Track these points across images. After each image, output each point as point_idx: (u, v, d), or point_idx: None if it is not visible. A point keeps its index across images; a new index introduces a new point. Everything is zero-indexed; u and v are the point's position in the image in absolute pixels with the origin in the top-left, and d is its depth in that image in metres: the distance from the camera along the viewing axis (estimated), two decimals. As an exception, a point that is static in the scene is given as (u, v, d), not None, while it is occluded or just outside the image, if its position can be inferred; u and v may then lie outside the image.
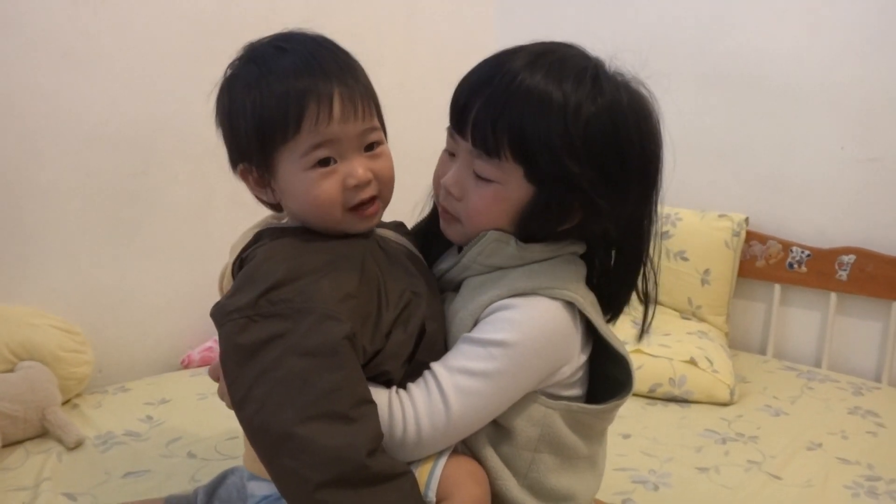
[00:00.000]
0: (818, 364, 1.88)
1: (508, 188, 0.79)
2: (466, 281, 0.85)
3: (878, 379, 1.79)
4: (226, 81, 0.80)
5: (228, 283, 0.82)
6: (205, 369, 1.63)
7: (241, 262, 0.78)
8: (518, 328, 0.76)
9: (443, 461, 0.77)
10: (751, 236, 1.95)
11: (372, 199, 0.79)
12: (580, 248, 0.86)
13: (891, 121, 1.76)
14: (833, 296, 1.85)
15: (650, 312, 0.88)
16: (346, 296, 0.72)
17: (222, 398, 0.85)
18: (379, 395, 0.74)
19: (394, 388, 0.77)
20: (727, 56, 1.95)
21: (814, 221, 1.89)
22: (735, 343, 1.98)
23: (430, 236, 0.93)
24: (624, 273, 0.88)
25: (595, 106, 0.75)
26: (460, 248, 0.86)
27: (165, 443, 1.33)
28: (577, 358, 0.82)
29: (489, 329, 0.77)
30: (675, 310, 1.96)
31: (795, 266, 1.90)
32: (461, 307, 0.82)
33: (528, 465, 0.82)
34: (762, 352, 1.97)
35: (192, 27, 1.68)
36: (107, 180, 1.61)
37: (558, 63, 0.77)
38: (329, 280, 0.72)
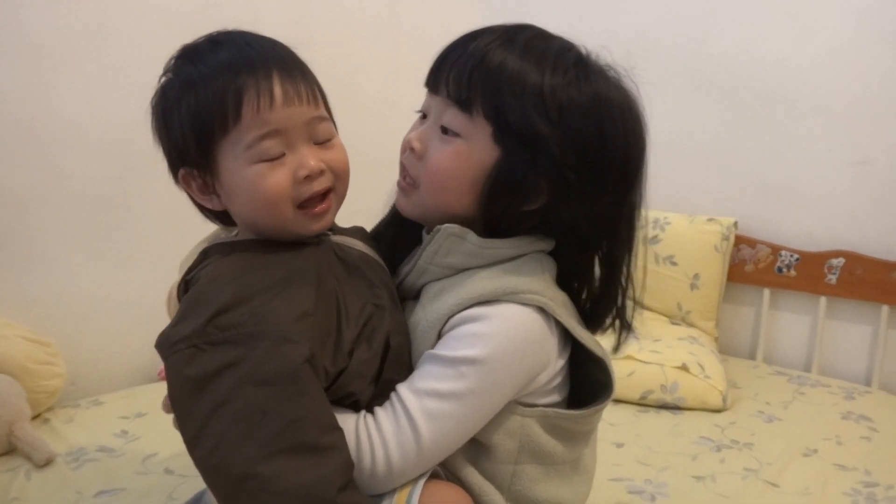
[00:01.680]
0: (808, 369, 1.87)
1: (473, 146, 0.74)
2: (425, 287, 0.80)
3: (868, 383, 1.78)
4: (161, 85, 0.75)
5: (174, 308, 0.76)
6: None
7: (186, 285, 0.73)
8: (488, 342, 0.71)
9: (419, 487, 0.71)
10: (740, 240, 1.93)
11: (325, 195, 0.73)
12: (547, 246, 0.80)
13: (878, 124, 1.76)
14: (823, 299, 1.83)
15: (626, 326, 0.83)
16: (303, 314, 0.66)
17: (178, 429, 0.81)
18: (346, 421, 0.69)
19: (362, 414, 0.71)
20: (715, 60, 1.94)
21: (803, 225, 1.87)
22: (724, 348, 1.96)
23: (391, 240, 0.87)
24: (605, 284, 0.82)
25: (577, 90, 0.72)
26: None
27: (141, 459, 1.26)
28: (554, 363, 0.77)
29: (456, 345, 0.72)
30: (664, 315, 1.94)
31: (784, 270, 1.88)
32: (421, 318, 0.76)
33: (511, 478, 0.77)
34: (752, 357, 1.96)
35: (171, 29, 1.63)
36: (81, 185, 1.55)
37: (538, 39, 0.75)
38: (282, 299, 0.67)
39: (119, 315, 1.65)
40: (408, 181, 0.79)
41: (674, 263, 1.92)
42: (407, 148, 0.79)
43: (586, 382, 0.83)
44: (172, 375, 0.65)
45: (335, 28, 1.91)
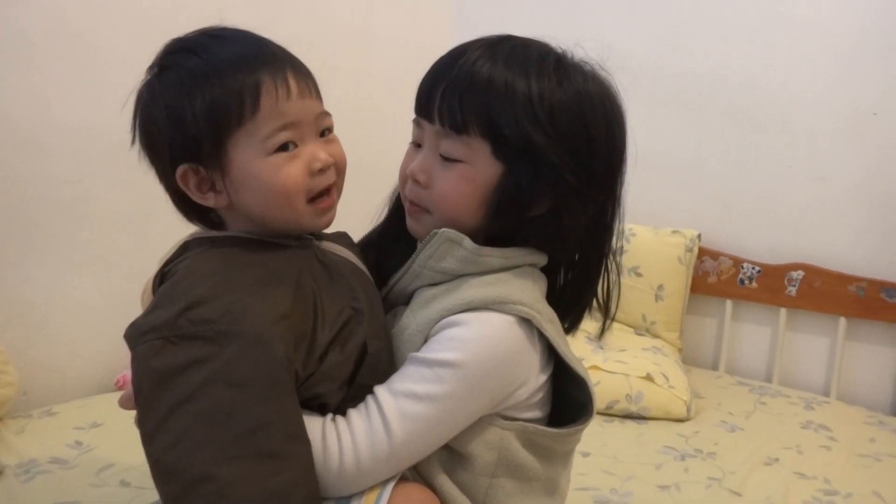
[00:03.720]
0: (769, 379, 1.90)
1: (476, 167, 0.75)
2: (417, 293, 0.79)
3: (826, 393, 1.82)
4: (155, 80, 0.72)
5: (148, 300, 0.74)
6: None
7: (162, 277, 0.71)
8: (467, 347, 0.70)
9: (389, 490, 0.70)
10: (703, 252, 1.96)
11: (329, 189, 0.74)
12: (541, 260, 0.80)
13: (836, 141, 1.81)
14: (783, 311, 1.87)
15: (610, 315, 0.84)
16: (281, 316, 0.65)
17: (138, 427, 0.78)
18: (311, 423, 0.68)
19: (329, 416, 0.70)
20: (680, 77, 1.98)
21: (764, 238, 1.91)
22: (688, 359, 1.98)
23: (383, 249, 0.87)
24: (583, 277, 0.83)
25: (562, 90, 0.74)
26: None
27: (96, 471, 1.22)
28: (535, 379, 0.76)
29: (437, 348, 0.71)
30: (629, 325, 1.96)
31: (746, 282, 1.91)
32: (410, 322, 0.76)
33: (486, 491, 0.76)
34: (714, 367, 1.98)
35: (132, 28, 1.59)
36: (35, 188, 1.49)
37: (520, 49, 0.76)
38: (260, 298, 0.65)
39: (73, 322, 1.59)
40: (415, 210, 0.80)
41: (639, 274, 1.94)
42: (408, 179, 0.79)
43: (567, 402, 0.82)
44: (138, 366, 0.63)
45: (305, 34, 1.90)
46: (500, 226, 0.77)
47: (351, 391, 0.71)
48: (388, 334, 0.76)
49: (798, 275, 1.84)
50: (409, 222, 0.81)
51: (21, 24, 1.43)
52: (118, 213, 1.63)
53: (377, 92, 2.09)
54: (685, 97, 1.97)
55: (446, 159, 0.76)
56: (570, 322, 0.85)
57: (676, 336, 1.94)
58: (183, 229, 0.81)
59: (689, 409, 1.59)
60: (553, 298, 0.81)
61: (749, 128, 1.91)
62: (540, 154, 0.73)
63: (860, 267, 1.79)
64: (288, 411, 0.63)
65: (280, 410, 0.62)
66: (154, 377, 0.61)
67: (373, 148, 1.71)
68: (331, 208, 0.74)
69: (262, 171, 0.69)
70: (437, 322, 0.73)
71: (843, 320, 1.79)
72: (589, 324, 0.88)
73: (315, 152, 0.71)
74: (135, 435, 1.36)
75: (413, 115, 0.80)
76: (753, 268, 1.90)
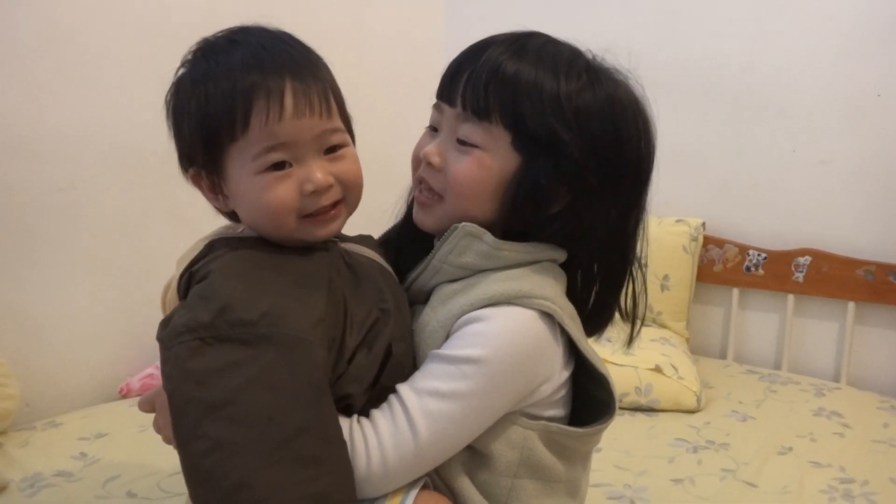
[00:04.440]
0: (778, 366, 1.88)
1: (493, 155, 0.73)
2: (437, 289, 0.78)
3: (836, 379, 1.80)
4: (176, 79, 0.73)
5: (172, 300, 0.73)
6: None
7: (189, 277, 0.69)
8: (491, 342, 0.69)
9: (413, 495, 0.69)
10: (708, 241, 1.94)
11: (333, 205, 0.72)
12: (561, 256, 0.79)
13: (839, 124, 1.79)
14: (790, 297, 1.85)
15: (637, 323, 0.83)
16: (317, 321, 0.64)
17: (159, 432, 0.76)
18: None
19: (355, 417, 0.69)
20: (680, 64, 1.95)
21: (769, 224, 1.89)
22: (695, 348, 1.96)
23: (400, 248, 0.86)
24: (607, 283, 0.81)
25: (592, 94, 0.73)
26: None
27: (102, 482, 1.20)
28: (558, 375, 0.75)
29: (460, 344, 0.70)
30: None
31: (752, 269, 1.90)
32: (431, 319, 0.75)
33: (508, 492, 0.75)
34: (722, 356, 1.97)
35: (125, 29, 1.57)
36: (29, 195, 1.47)
37: (549, 46, 0.75)
38: (296, 301, 0.64)
39: (73, 330, 1.57)
40: (428, 195, 0.78)
41: (644, 266, 1.92)
42: (423, 162, 0.78)
43: (587, 401, 0.81)
44: (172, 368, 0.61)
45: (298, 31, 1.87)
46: (516, 221, 0.75)
47: (375, 393, 0.70)
48: (411, 337, 0.75)
49: (805, 260, 1.82)
50: (416, 212, 0.80)
51: (12, 28, 1.41)
52: (114, 219, 1.60)
53: (371, 89, 2.06)
54: (685, 84, 1.95)
55: (463, 143, 0.75)
56: (594, 330, 0.83)
57: (683, 326, 1.92)
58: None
59: (699, 400, 1.57)
60: (575, 305, 0.80)
61: (750, 113, 1.89)
62: (562, 150, 0.71)
63: (868, 250, 1.77)
64: (327, 414, 0.62)
65: (320, 414, 0.61)
66: (190, 379, 0.60)
67: (367, 145, 1.69)
68: (331, 221, 0.72)
69: (251, 188, 0.68)
70: (459, 318, 0.72)
71: (851, 305, 1.77)
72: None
73: (310, 173, 0.68)
74: (141, 444, 1.34)
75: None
76: (759, 254, 1.88)
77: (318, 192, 0.69)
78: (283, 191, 0.68)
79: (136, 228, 1.64)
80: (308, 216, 0.70)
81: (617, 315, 0.84)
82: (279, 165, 0.68)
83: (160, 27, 1.61)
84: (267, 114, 0.66)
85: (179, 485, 1.19)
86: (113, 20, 1.55)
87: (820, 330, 1.85)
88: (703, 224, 1.93)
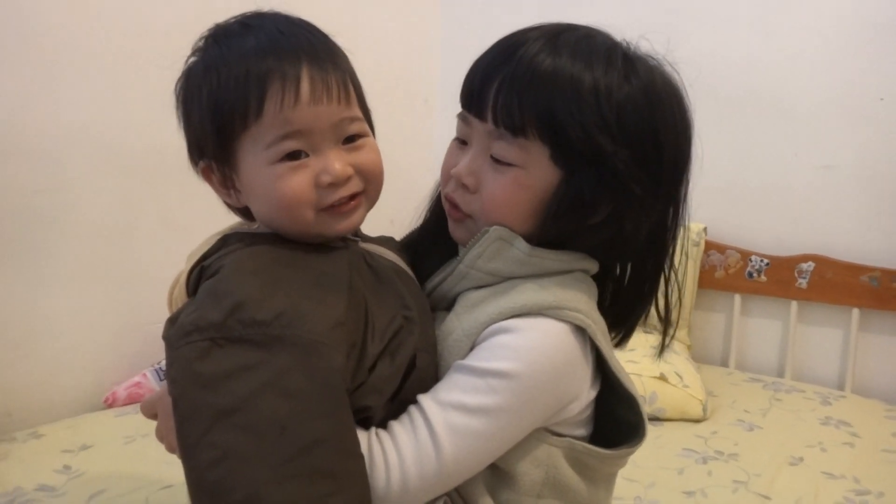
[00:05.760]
0: (781, 374, 1.85)
1: (531, 173, 0.69)
2: (462, 296, 0.73)
3: (841, 387, 1.77)
4: (186, 67, 0.69)
5: (180, 296, 0.68)
6: (132, 408, 1.45)
7: (200, 272, 0.64)
8: (522, 356, 0.65)
9: None
10: (709, 246, 1.91)
11: (352, 197, 0.67)
12: (593, 266, 0.75)
13: (842, 128, 1.77)
14: (794, 304, 1.82)
15: (670, 329, 0.79)
16: (336, 323, 0.59)
17: (161, 440, 0.71)
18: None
19: (373, 430, 0.64)
20: (681, 65, 1.91)
21: (772, 229, 1.87)
22: (697, 356, 1.93)
23: (420, 252, 0.81)
24: (637, 288, 0.77)
25: (629, 86, 0.68)
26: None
27: (87, 497, 1.14)
28: (587, 393, 0.71)
29: (488, 356, 0.65)
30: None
31: (755, 275, 1.87)
32: (455, 326, 0.70)
33: None
34: (724, 364, 1.93)
35: (113, 25, 1.51)
36: (11, 197, 1.40)
37: (585, 40, 0.70)
38: (314, 302, 0.59)
39: (57, 337, 1.51)
40: (458, 214, 0.74)
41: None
42: (453, 182, 0.73)
43: (612, 422, 0.76)
44: (179, 370, 0.57)
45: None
46: (555, 232, 0.71)
47: (394, 406, 0.65)
48: (436, 348, 0.70)
49: (808, 266, 1.80)
50: (453, 227, 0.75)
51: (-7, 24, 1.35)
52: (100, 222, 1.54)
53: (367, 91, 2.02)
54: (686, 87, 1.92)
55: (498, 162, 0.69)
56: (622, 336, 0.79)
57: (685, 333, 1.89)
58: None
59: (705, 409, 1.54)
60: (602, 309, 0.75)
61: (752, 116, 1.87)
62: (606, 161, 0.67)
63: (872, 256, 1.74)
64: (345, 425, 0.58)
65: (337, 424, 0.57)
66: (198, 382, 0.55)
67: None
68: (351, 213, 0.67)
69: (265, 179, 0.64)
70: (487, 327, 0.67)
71: (856, 311, 1.75)
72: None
73: (328, 164, 0.64)
74: (128, 457, 1.27)
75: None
76: (762, 260, 1.85)
77: (335, 184, 0.65)
78: (298, 182, 0.63)
79: (123, 232, 1.58)
80: (326, 209, 0.65)
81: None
82: (294, 155, 0.64)
83: (150, 23, 1.55)
84: (282, 99, 0.62)
85: (168, 500, 1.13)
86: (100, 15, 1.50)
87: (824, 337, 1.82)
88: (705, 229, 1.90)
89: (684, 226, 0.76)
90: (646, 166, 0.69)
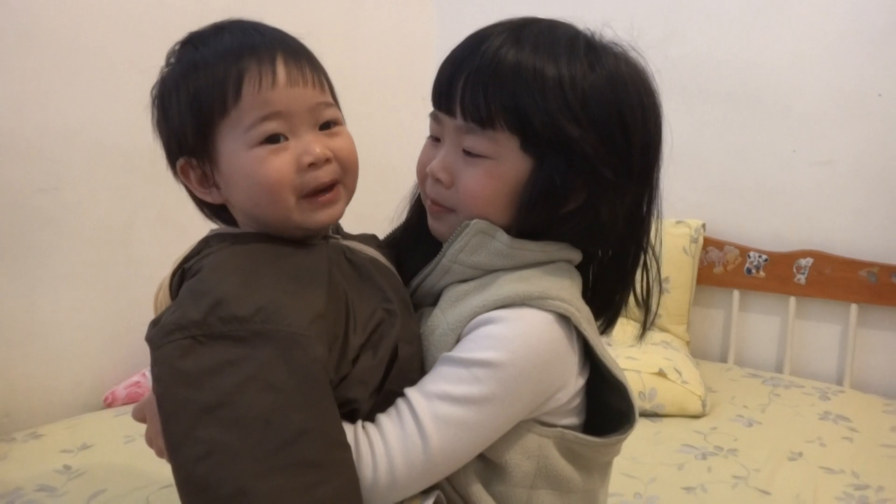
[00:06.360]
0: (780, 370, 1.85)
1: (502, 163, 0.69)
2: (446, 290, 0.74)
3: (840, 382, 1.78)
4: (161, 74, 0.70)
5: (164, 300, 0.68)
6: (132, 407, 1.44)
7: (182, 274, 0.65)
8: (506, 346, 0.65)
9: None
10: (708, 242, 1.91)
11: (332, 185, 0.67)
12: (576, 256, 0.75)
13: (840, 124, 1.77)
14: (792, 300, 1.83)
15: (653, 309, 0.79)
16: (316, 316, 0.60)
17: (150, 444, 0.71)
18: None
19: (359, 423, 0.64)
20: (679, 63, 1.92)
21: (770, 225, 1.87)
22: (695, 352, 1.93)
23: (404, 250, 0.81)
24: (618, 274, 0.78)
25: (593, 73, 0.68)
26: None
27: (87, 497, 1.14)
28: (574, 382, 0.71)
29: (472, 347, 0.66)
30: (635, 320, 1.89)
31: (753, 271, 1.87)
32: (441, 321, 0.70)
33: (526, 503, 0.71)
34: (723, 359, 1.94)
35: (112, 25, 1.51)
36: (11, 197, 1.41)
37: (548, 31, 0.70)
38: (293, 296, 0.60)
39: (56, 337, 1.51)
40: (437, 209, 0.74)
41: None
42: (428, 178, 0.74)
43: (604, 410, 0.77)
44: (162, 368, 0.57)
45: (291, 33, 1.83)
46: (532, 221, 0.71)
47: (380, 398, 0.66)
48: (419, 339, 0.71)
49: (807, 262, 1.80)
50: (432, 222, 0.76)
51: (-11, 23, 1.35)
52: (99, 221, 1.54)
53: (365, 91, 2.02)
54: (683, 83, 1.92)
55: (470, 155, 0.70)
56: (606, 322, 0.80)
57: (684, 329, 1.89)
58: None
59: (704, 405, 1.54)
60: (586, 297, 0.76)
61: (750, 113, 1.87)
62: (573, 146, 0.67)
63: (870, 251, 1.75)
64: (329, 416, 0.58)
65: (321, 415, 0.57)
66: (181, 380, 0.56)
67: (364, 147, 1.65)
68: (331, 203, 0.68)
69: (246, 163, 0.65)
70: (471, 320, 0.67)
71: (854, 307, 1.75)
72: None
73: (308, 145, 0.65)
74: (128, 456, 1.27)
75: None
76: (760, 256, 1.86)
77: (316, 164, 0.65)
78: (280, 163, 0.64)
79: (122, 231, 1.58)
80: (307, 197, 0.66)
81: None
82: (274, 139, 0.64)
83: (149, 23, 1.55)
84: (259, 81, 0.63)
85: (169, 499, 1.13)
86: (98, 17, 1.49)
87: (822, 332, 1.82)
88: (704, 225, 1.90)
89: (659, 210, 0.77)
90: (615, 150, 0.69)
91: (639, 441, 1.41)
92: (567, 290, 0.71)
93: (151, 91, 0.71)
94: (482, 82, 0.68)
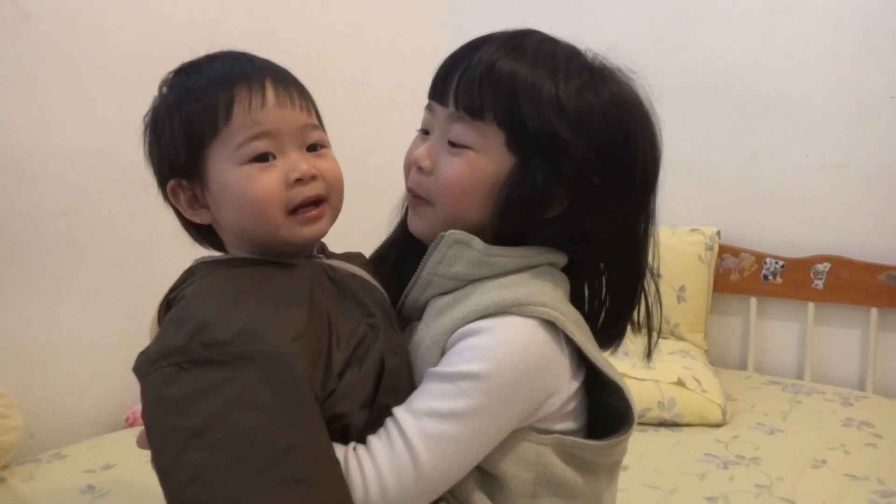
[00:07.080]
0: (801, 376, 1.84)
1: (484, 156, 0.70)
2: (430, 303, 0.73)
3: (862, 387, 1.76)
4: (153, 102, 0.73)
5: (155, 331, 0.70)
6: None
7: (168, 304, 0.67)
8: (490, 356, 0.65)
9: None
10: (723, 249, 1.91)
11: (318, 201, 0.69)
12: (561, 259, 0.75)
13: (853, 127, 1.77)
14: (811, 305, 1.81)
15: (654, 336, 0.78)
16: (297, 334, 0.61)
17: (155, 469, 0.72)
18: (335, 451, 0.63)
19: (351, 445, 0.65)
20: (689, 69, 1.93)
21: (786, 231, 1.86)
22: (714, 360, 1.92)
23: (397, 261, 0.82)
24: (619, 294, 0.78)
25: (593, 92, 0.69)
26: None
27: (111, 516, 1.15)
28: (567, 386, 0.70)
29: (457, 360, 0.66)
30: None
31: (770, 277, 1.86)
32: (425, 335, 0.70)
33: None
34: (742, 367, 1.92)
35: (128, 51, 1.54)
36: (31, 220, 1.43)
37: (547, 43, 0.72)
38: (273, 317, 0.61)
39: (79, 359, 1.52)
40: (416, 202, 0.75)
41: (659, 276, 1.87)
42: (412, 167, 0.74)
43: (605, 411, 0.76)
44: (149, 397, 0.59)
45: (300, 47, 1.86)
46: (511, 225, 0.71)
47: (373, 413, 0.66)
48: (405, 351, 0.71)
49: (824, 267, 1.79)
50: (411, 217, 0.77)
51: (10, 50, 1.38)
52: (119, 244, 1.56)
53: (373, 102, 2.04)
54: (693, 90, 1.92)
55: (454, 145, 0.71)
56: (608, 343, 0.79)
57: (701, 337, 1.88)
58: (187, 260, 0.77)
59: (724, 413, 1.53)
60: (587, 318, 0.76)
61: (763, 118, 1.86)
62: (562, 150, 0.68)
63: (888, 255, 1.74)
64: (315, 431, 0.59)
65: (307, 431, 0.58)
66: (167, 407, 0.57)
67: (370, 159, 1.66)
68: (316, 219, 0.69)
69: (234, 181, 0.67)
70: (453, 332, 0.67)
71: (874, 311, 1.73)
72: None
73: (295, 162, 0.67)
74: (151, 475, 1.28)
75: (409, 120, 0.76)
76: (777, 262, 1.85)
77: (302, 180, 0.67)
78: (268, 180, 0.66)
79: (141, 253, 1.60)
80: (294, 213, 0.68)
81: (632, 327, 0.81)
82: (263, 157, 0.67)
83: (164, 49, 1.57)
84: (249, 102, 0.66)
85: (192, 517, 1.13)
86: (116, 42, 1.52)
87: (842, 338, 1.81)
88: (719, 233, 1.89)
89: (654, 226, 0.77)
90: (610, 160, 0.69)
91: (659, 451, 1.40)
92: (549, 294, 0.70)
93: (144, 118, 0.73)
94: (479, 75, 0.69)
